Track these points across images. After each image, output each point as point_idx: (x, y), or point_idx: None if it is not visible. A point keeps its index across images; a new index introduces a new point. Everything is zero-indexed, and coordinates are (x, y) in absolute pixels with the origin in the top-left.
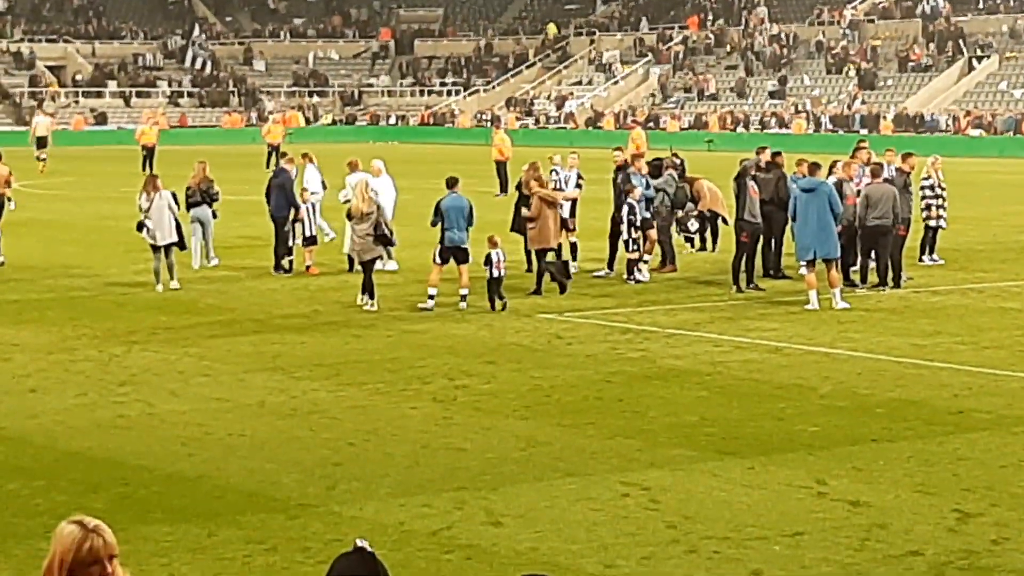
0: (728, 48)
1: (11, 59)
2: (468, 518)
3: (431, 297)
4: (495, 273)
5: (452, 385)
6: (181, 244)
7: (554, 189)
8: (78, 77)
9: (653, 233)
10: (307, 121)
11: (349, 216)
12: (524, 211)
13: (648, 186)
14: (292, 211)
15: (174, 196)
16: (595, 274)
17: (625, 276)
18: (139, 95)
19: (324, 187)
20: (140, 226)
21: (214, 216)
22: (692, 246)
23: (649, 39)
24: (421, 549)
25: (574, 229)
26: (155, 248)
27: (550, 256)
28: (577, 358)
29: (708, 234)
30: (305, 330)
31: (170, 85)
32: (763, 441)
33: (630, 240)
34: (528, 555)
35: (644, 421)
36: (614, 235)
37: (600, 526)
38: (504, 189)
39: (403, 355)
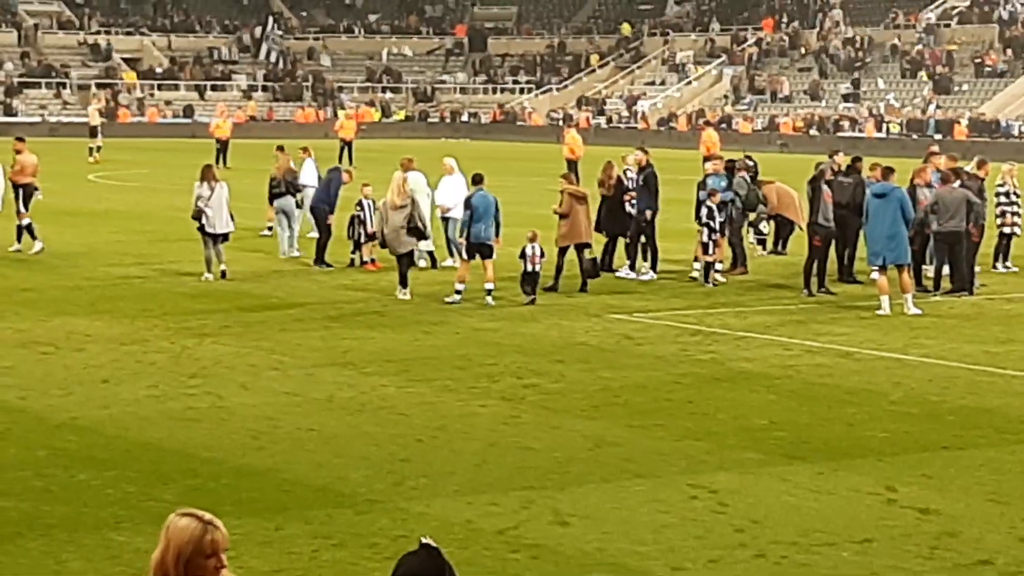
0: (802, 50)
1: (88, 51)
2: (535, 517)
3: (458, 292)
4: (529, 267)
5: (521, 384)
6: (227, 237)
7: (626, 191)
8: (156, 70)
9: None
10: (384, 115)
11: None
12: (554, 208)
13: (727, 188)
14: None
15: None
16: (618, 273)
17: (701, 279)
18: (213, 88)
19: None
20: (199, 214)
21: (298, 207)
22: (763, 248)
23: (722, 40)
24: (487, 548)
25: None
26: (210, 237)
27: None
28: (646, 359)
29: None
30: (375, 326)
31: (244, 79)
32: (833, 446)
33: (710, 243)
34: (595, 556)
35: (713, 424)
36: (634, 236)
37: (668, 528)
38: None
39: (472, 353)
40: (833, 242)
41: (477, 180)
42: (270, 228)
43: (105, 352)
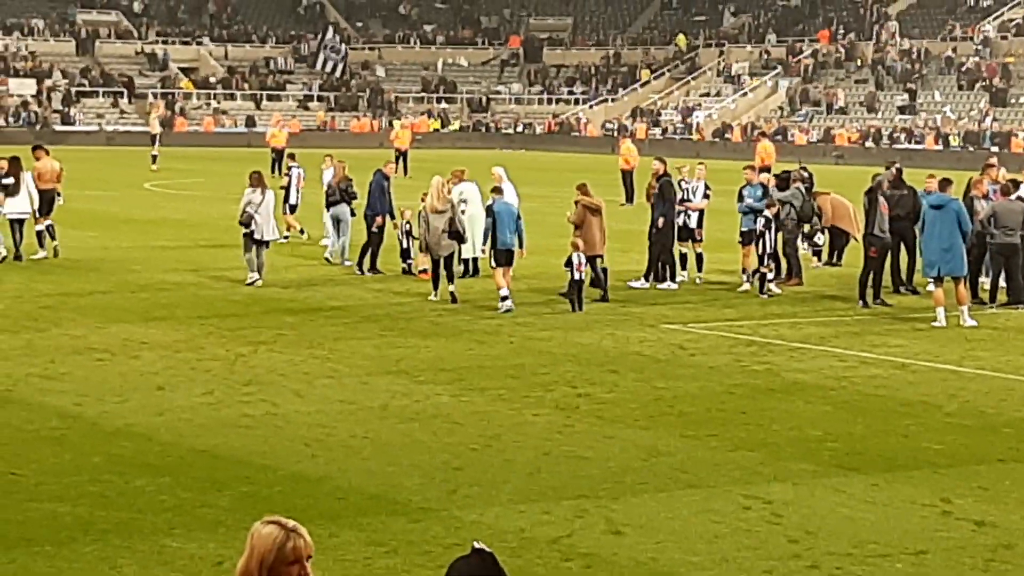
0: (858, 62)
1: (145, 60)
2: (589, 526)
3: (505, 298)
4: (576, 276)
5: (575, 393)
6: (268, 244)
7: (682, 200)
8: (210, 79)
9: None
10: (442, 124)
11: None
12: (568, 216)
13: (760, 199)
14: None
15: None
16: (630, 284)
17: (756, 290)
18: (269, 98)
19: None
20: (249, 219)
21: (352, 214)
22: (818, 260)
23: (778, 51)
24: (541, 556)
25: (701, 240)
26: (256, 243)
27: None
28: (701, 369)
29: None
30: (429, 335)
31: (300, 89)
32: (887, 458)
33: (765, 255)
34: (648, 565)
35: (767, 434)
36: (653, 245)
37: (721, 539)
38: (630, 199)
39: (526, 362)
40: (889, 253)
41: (498, 190)
42: (288, 236)
43: (160, 359)
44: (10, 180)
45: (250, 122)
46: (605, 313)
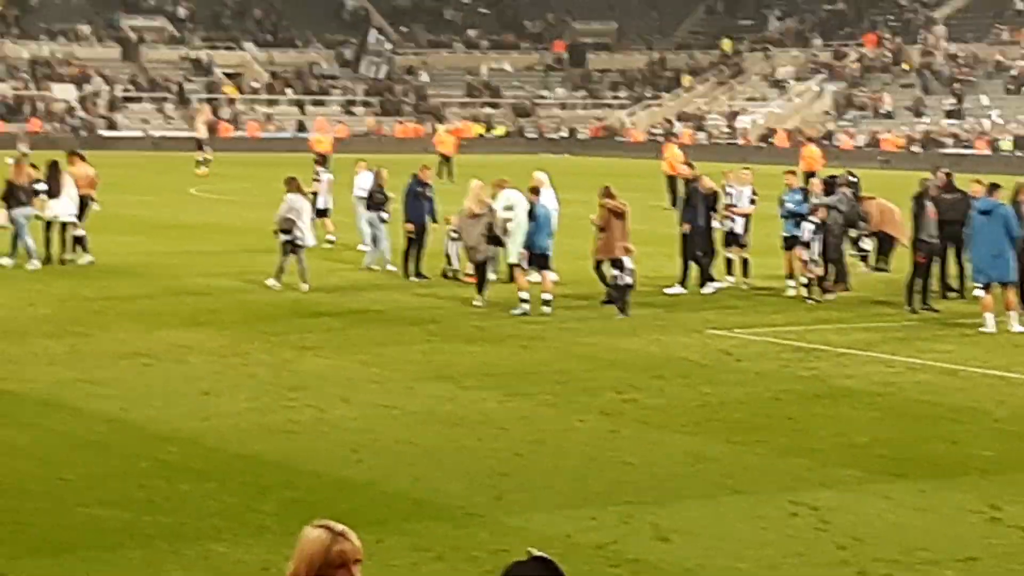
0: (905, 66)
1: (190, 66)
2: (635, 532)
3: (524, 302)
4: (627, 280)
5: (620, 399)
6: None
7: (728, 206)
8: (255, 84)
9: (799, 252)
10: (487, 129)
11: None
12: (592, 219)
13: (800, 203)
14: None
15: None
16: (665, 290)
17: (803, 295)
18: (314, 103)
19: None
20: (290, 226)
21: (382, 220)
22: (865, 265)
23: (824, 56)
24: (587, 562)
25: (746, 245)
26: (296, 248)
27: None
28: (747, 375)
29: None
30: (474, 340)
31: (344, 93)
32: (935, 464)
33: (810, 260)
34: (695, 572)
35: (814, 440)
36: (686, 250)
37: (768, 545)
38: (675, 203)
39: (571, 367)
40: (936, 258)
41: (536, 191)
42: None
43: (206, 364)
44: (44, 186)
45: (300, 127)
46: (651, 318)
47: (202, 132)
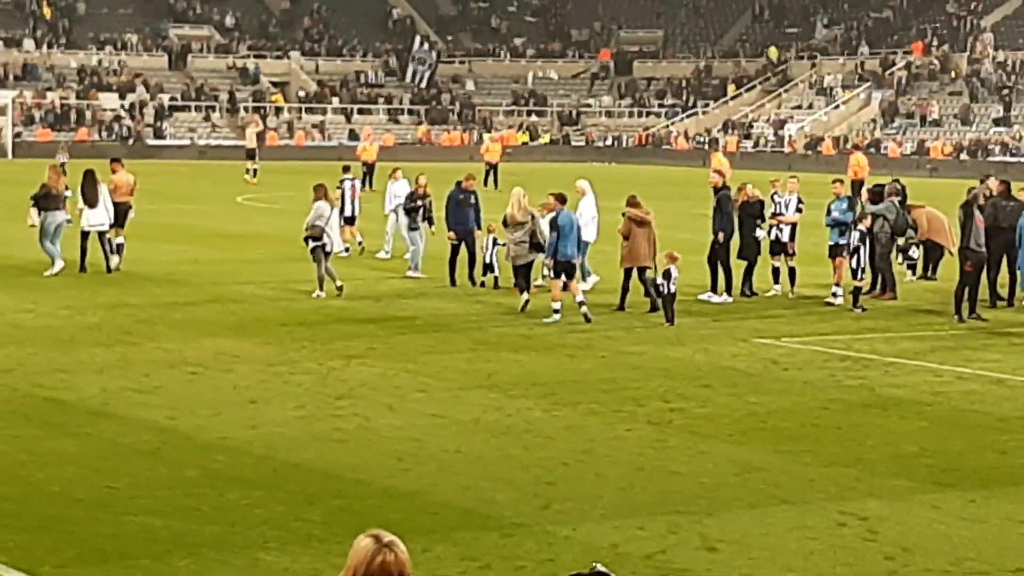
0: (952, 74)
1: (237, 75)
2: (682, 542)
3: (557, 311)
4: (671, 289)
5: (667, 408)
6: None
7: (774, 214)
8: (301, 93)
9: (841, 262)
10: (531, 138)
11: (505, 223)
12: (619, 228)
13: (845, 212)
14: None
15: None
16: (700, 296)
17: (851, 304)
18: (360, 112)
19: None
20: (321, 233)
21: (411, 228)
22: (913, 273)
23: (871, 63)
24: (635, 572)
25: (794, 254)
26: (327, 255)
27: (648, 273)
28: (794, 384)
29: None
30: (520, 348)
31: (390, 102)
32: (984, 474)
33: (858, 269)
34: None
35: (862, 450)
36: (712, 258)
37: (816, 555)
38: None
39: (618, 376)
40: (985, 267)
41: (562, 200)
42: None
43: (253, 373)
44: (69, 193)
45: (352, 136)
46: (697, 327)
47: (252, 142)
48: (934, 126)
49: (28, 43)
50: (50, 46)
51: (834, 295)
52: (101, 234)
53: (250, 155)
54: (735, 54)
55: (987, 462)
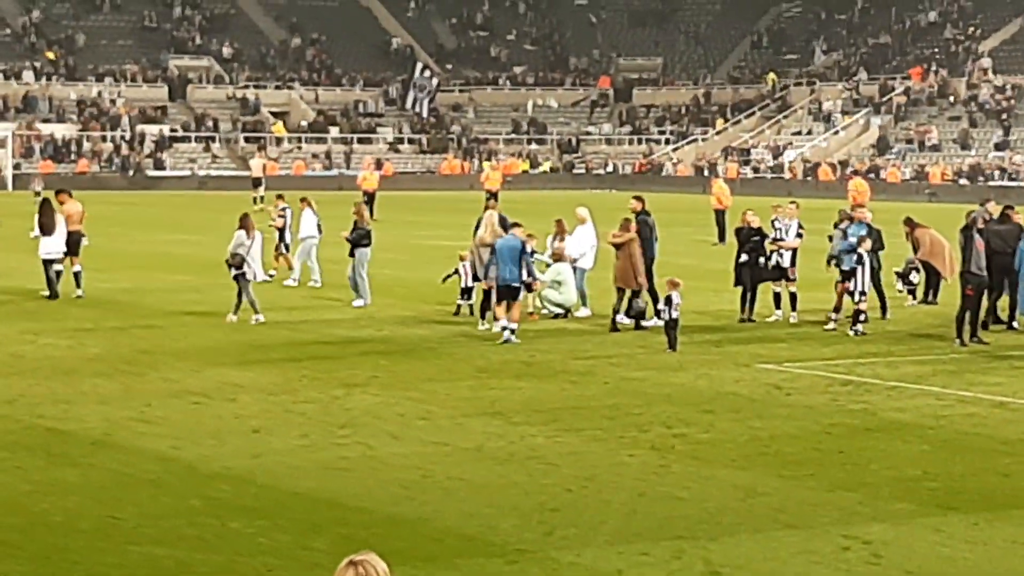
0: (951, 99)
1: (237, 105)
2: (687, 568)
3: (504, 329)
4: (673, 315)
5: (670, 433)
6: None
7: (775, 240)
8: (301, 123)
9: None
10: (532, 166)
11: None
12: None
13: (867, 235)
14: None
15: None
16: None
17: (850, 327)
18: (360, 141)
19: (320, 231)
20: (242, 261)
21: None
22: (913, 298)
23: (870, 89)
24: None
25: (794, 279)
26: (248, 282)
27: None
28: (797, 409)
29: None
30: (523, 375)
31: (390, 131)
32: (988, 497)
33: (857, 292)
34: None
35: (865, 474)
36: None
37: None
38: (722, 238)
39: (621, 402)
40: (985, 291)
41: (506, 226)
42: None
43: (256, 402)
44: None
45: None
46: (699, 353)
47: (257, 171)
48: (933, 151)
49: (28, 75)
50: (49, 78)
51: (832, 319)
52: (51, 263)
53: (256, 184)
54: (734, 81)
55: (990, 485)
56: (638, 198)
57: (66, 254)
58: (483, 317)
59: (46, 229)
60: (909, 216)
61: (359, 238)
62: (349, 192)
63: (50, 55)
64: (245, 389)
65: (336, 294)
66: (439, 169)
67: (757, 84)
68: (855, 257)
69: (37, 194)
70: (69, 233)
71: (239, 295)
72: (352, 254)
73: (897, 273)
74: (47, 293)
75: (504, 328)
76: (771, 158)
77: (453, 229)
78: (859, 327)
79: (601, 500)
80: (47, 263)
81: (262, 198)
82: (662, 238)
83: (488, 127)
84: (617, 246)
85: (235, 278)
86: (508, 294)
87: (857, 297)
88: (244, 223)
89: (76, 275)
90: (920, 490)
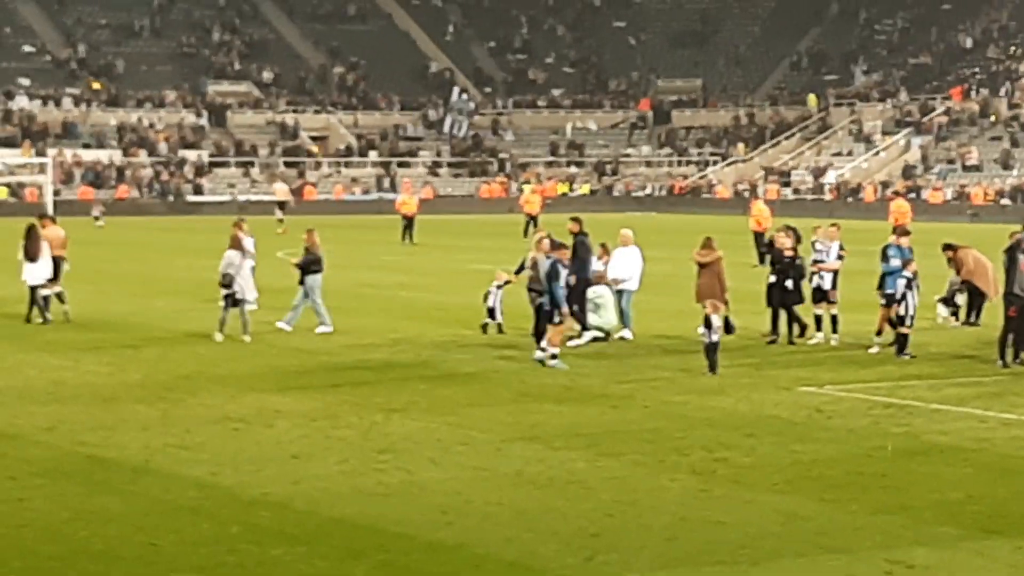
0: (992, 119)
1: (276, 130)
2: None
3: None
4: (713, 338)
5: (711, 457)
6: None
7: (815, 262)
8: (340, 147)
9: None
10: (570, 188)
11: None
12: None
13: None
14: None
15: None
16: (769, 340)
17: (896, 352)
18: (399, 165)
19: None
20: (230, 281)
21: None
22: (956, 320)
23: (910, 109)
24: None
25: (835, 301)
26: (235, 302)
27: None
28: (838, 432)
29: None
30: (563, 400)
31: (429, 155)
32: None
33: (906, 316)
34: None
35: (908, 498)
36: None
37: None
38: (762, 260)
39: (661, 426)
40: None
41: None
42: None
43: (295, 427)
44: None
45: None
46: (740, 376)
47: (281, 195)
48: (974, 171)
49: (67, 102)
50: (89, 104)
51: (876, 343)
52: (36, 288)
53: (281, 207)
54: (774, 102)
55: None
56: (576, 219)
57: (54, 279)
58: (539, 343)
59: (31, 255)
60: (947, 241)
61: (308, 263)
62: (388, 216)
63: (96, 85)
64: (284, 415)
65: (370, 320)
66: (478, 192)
67: (797, 105)
68: (903, 281)
69: (97, 218)
70: (53, 258)
71: (224, 311)
72: (302, 281)
73: (941, 299)
74: (41, 320)
75: (546, 353)
76: (812, 179)
77: (493, 253)
78: (907, 352)
79: (642, 525)
80: (34, 289)
81: (282, 219)
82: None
83: (527, 150)
84: (702, 264)
85: (224, 298)
86: (545, 318)
87: (908, 321)
88: (234, 243)
89: (59, 295)
90: (963, 514)
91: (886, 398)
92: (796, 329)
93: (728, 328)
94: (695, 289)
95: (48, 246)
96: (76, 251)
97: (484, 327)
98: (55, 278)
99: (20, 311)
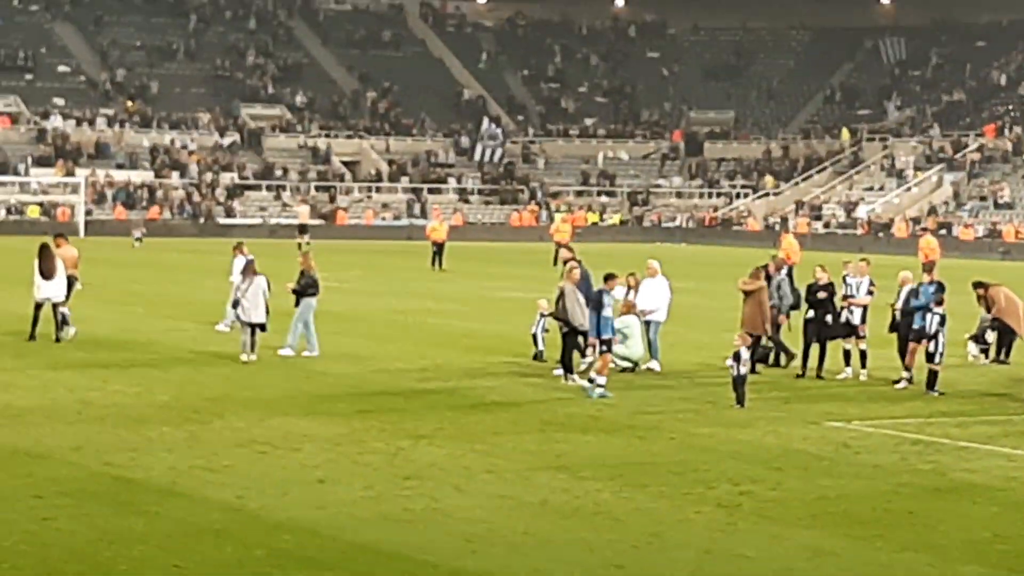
0: None
1: (308, 154)
2: None
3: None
4: (741, 371)
5: (737, 490)
6: (264, 327)
7: (845, 296)
8: (371, 172)
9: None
10: (600, 218)
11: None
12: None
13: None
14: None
15: (267, 281)
16: (797, 375)
17: (925, 387)
18: (430, 191)
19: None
20: (236, 303)
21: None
22: (986, 357)
23: (943, 145)
24: None
25: (864, 336)
26: (247, 325)
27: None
28: (865, 468)
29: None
30: (589, 430)
31: (460, 182)
32: None
33: (937, 353)
34: None
35: (935, 535)
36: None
37: None
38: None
39: (687, 458)
40: None
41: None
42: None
43: (321, 452)
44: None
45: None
46: (767, 410)
47: (303, 218)
48: (1006, 208)
49: (100, 122)
50: (122, 125)
51: (907, 379)
52: (56, 305)
53: (302, 230)
54: (807, 135)
55: None
56: (568, 248)
57: (65, 297)
58: (569, 370)
59: (46, 274)
60: (978, 279)
61: (305, 287)
62: (418, 242)
63: (131, 106)
64: (311, 439)
65: (398, 346)
66: (509, 220)
67: (829, 139)
68: (937, 319)
69: (139, 240)
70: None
71: (242, 333)
72: (298, 304)
73: (971, 337)
74: (55, 338)
75: (594, 383)
76: (843, 213)
77: (523, 281)
78: (937, 388)
79: (667, 557)
80: (39, 306)
81: (308, 243)
82: (734, 292)
83: (558, 179)
84: (747, 293)
85: (236, 318)
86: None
87: (938, 359)
88: (245, 267)
89: (63, 315)
90: (990, 552)
91: (914, 434)
92: (813, 360)
93: (788, 353)
94: (740, 318)
95: (63, 264)
96: (108, 272)
97: (534, 356)
98: (67, 297)
99: (48, 331)
